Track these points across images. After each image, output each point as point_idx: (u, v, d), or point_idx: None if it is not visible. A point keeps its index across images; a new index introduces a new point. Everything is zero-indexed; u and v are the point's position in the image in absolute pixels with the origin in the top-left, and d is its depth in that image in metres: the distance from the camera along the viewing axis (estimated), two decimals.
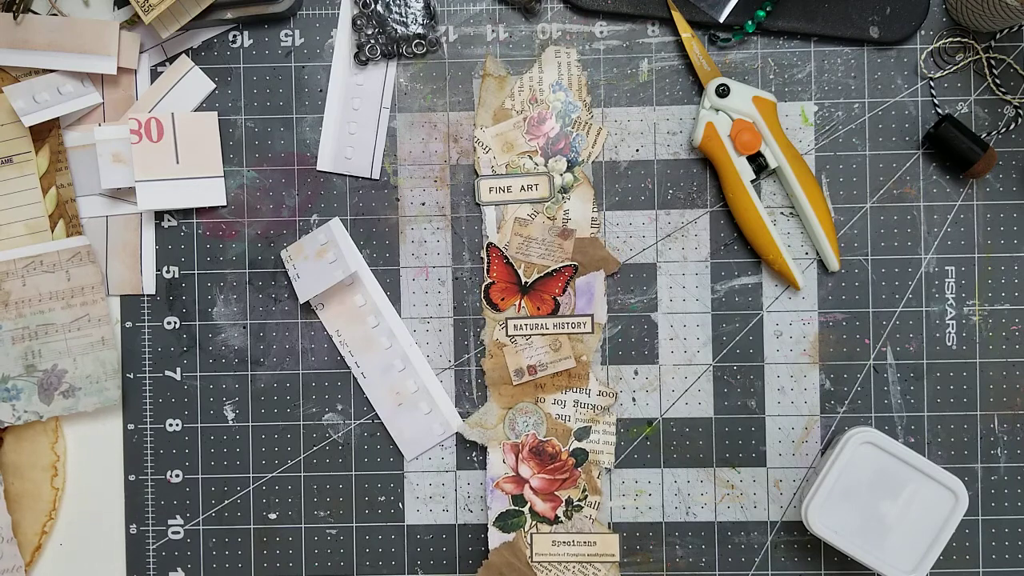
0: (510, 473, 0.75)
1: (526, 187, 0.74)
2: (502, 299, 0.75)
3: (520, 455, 0.75)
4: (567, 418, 0.75)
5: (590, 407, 0.75)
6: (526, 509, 0.75)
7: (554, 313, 0.74)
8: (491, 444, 0.75)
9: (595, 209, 0.75)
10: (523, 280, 0.75)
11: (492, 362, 0.75)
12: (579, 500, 0.75)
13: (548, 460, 0.75)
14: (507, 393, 0.75)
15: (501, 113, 0.75)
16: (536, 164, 0.74)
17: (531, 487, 0.75)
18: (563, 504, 0.75)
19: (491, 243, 0.75)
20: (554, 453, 0.75)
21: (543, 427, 0.75)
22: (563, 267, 0.74)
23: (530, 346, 0.74)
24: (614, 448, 0.75)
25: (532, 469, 0.75)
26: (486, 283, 0.75)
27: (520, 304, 0.75)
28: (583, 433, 0.75)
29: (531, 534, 0.75)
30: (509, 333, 0.74)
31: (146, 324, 0.76)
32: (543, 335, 0.74)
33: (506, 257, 0.74)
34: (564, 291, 0.74)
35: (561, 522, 0.75)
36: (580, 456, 0.75)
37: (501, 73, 0.75)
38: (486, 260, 0.75)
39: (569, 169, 0.74)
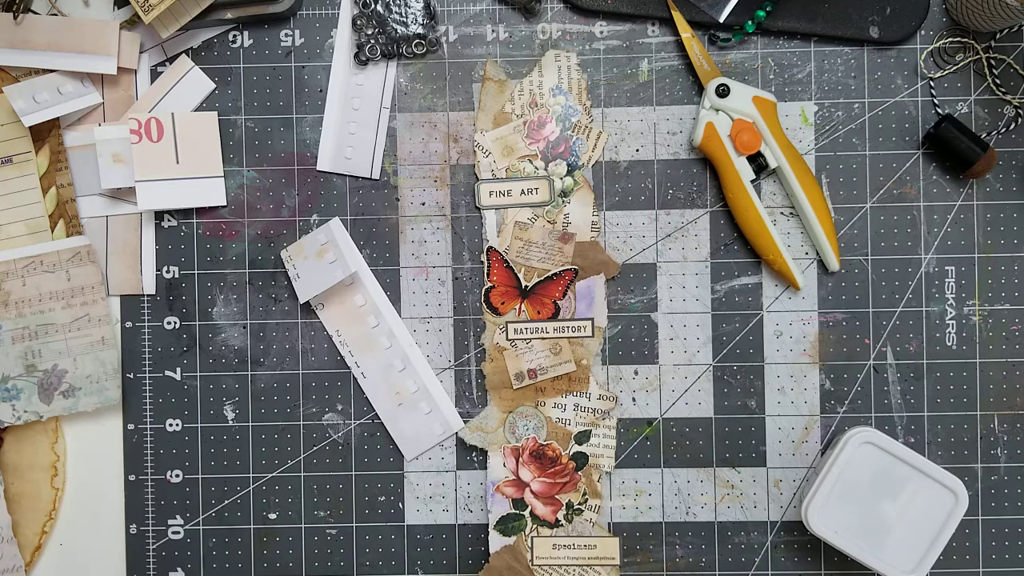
0: (511, 477, 0.75)
1: (526, 191, 0.74)
2: (502, 303, 0.75)
3: (521, 459, 0.75)
4: (567, 422, 0.75)
5: (590, 411, 0.75)
6: (527, 512, 0.75)
7: (554, 317, 0.74)
8: (492, 448, 0.75)
9: (595, 213, 0.74)
10: (523, 284, 0.75)
11: (492, 366, 0.75)
12: (579, 503, 0.75)
13: (548, 464, 0.75)
14: (507, 397, 0.75)
15: (501, 117, 0.75)
16: (536, 168, 0.74)
17: (532, 491, 0.75)
18: (563, 507, 0.75)
19: (491, 247, 0.75)
20: (554, 457, 0.75)
21: (543, 431, 0.75)
22: (563, 271, 0.74)
23: (530, 350, 0.74)
24: (614, 452, 0.75)
25: (533, 473, 0.75)
26: (486, 287, 0.75)
27: (520, 308, 0.75)
28: (583, 437, 0.75)
29: (532, 537, 0.75)
30: (509, 337, 0.74)
31: (146, 324, 0.76)
32: (543, 339, 0.74)
33: (506, 261, 0.74)
34: (564, 295, 0.74)
35: (561, 525, 0.75)
36: (580, 460, 0.75)
37: (501, 77, 0.75)
38: (486, 264, 0.75)
39: (569, 173, 0.74)
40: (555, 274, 0.74)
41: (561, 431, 0.75)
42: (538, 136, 0.74)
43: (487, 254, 0.75)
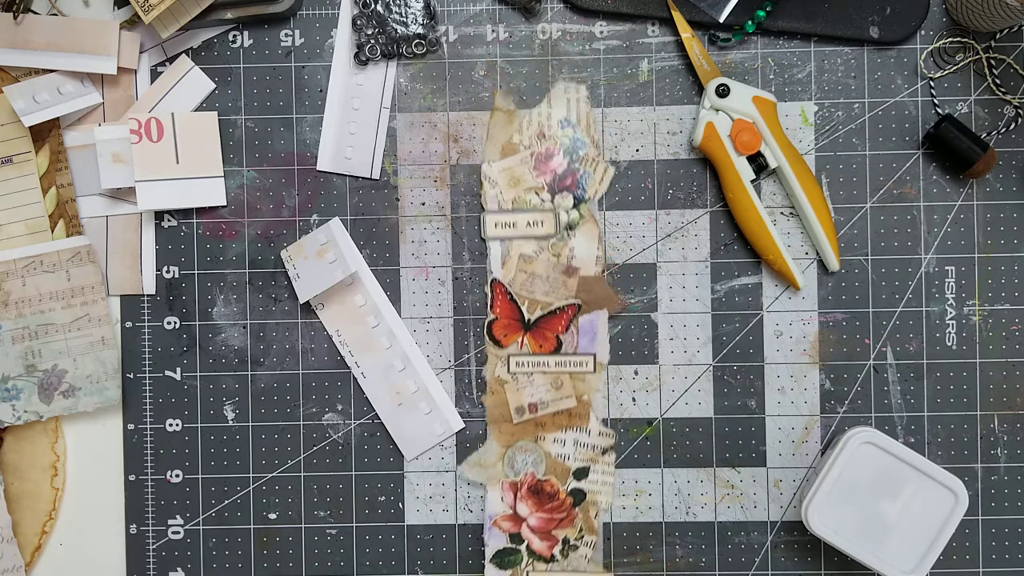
0: (508, 511, 0.74)
1: (532, 223, 0.74)
2: (505, 335, 0.74)
3: (518, 493, 0.74)
4: (566, 457, 0.74)
5: (590, 447, 0.74)
6: (523, 547, 0.74)
7: (556, 351, 0.74)
8: (490, 482, 0.75)
9: (599, 249, 0.74)
10: (526, 317, 0.74)
11: (493, 399, 0.74)
12: (576, 539, 0.74)
13: (546, 499, 0.74)
14: (507, 431, 0.74)
15: (509, 147, 0.74)
16: (543, 200, 0.74)
17: (528, 526, 0.74)
18: (560, 543, 0.74)
19: (495, 279, 0.74)
20: (552, 492, 0.74)
21: (542, 466, 0.74)
22: (567, 305, 0.74)
23: (531, 384, 0.74)
24: (612, 489, 0.75)
25: (530, 508, 0.74)
26: (489, 319, 0.74)
27: (523, 341, 0.74)
28: (582, 473, 0.74)
29: (527, 572, 0.74)
30: (511, 370, 0.74)
31: (146, 324, 0.76)
32: (545, 373, 0.74)
33: (510, 293, 0.74)
34: (567, 329, 0.74)
35: (557, 560, 0.74)
36: (578, 496, 0.74)
37: (510, 107, 0.74)
38: (490, 296, 0.74)
39: (575, 206, 0.74)
40: (558, 308, 0.74)
41: (560, 466, 0.74)
42: (545, 168, 0.74)
43: (491, 286, 0.74)
